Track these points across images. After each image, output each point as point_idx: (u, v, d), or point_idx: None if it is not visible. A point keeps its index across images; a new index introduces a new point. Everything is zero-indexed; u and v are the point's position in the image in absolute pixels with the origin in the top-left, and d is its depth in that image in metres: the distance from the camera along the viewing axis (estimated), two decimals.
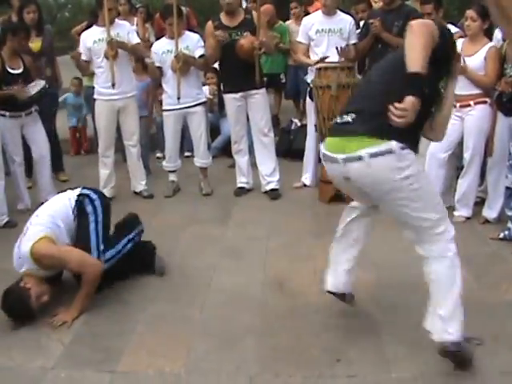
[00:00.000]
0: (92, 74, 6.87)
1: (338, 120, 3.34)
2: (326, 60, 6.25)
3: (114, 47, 6.24)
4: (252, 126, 6.60)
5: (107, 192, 6.44)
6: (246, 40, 6.12)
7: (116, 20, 6.46)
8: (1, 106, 6.08)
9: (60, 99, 8.29)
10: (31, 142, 6.39)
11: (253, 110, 6.50)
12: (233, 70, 6.40)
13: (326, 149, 3.35)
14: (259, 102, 6.47)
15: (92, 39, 6.36)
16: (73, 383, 3.39)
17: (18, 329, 3.96)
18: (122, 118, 6.63)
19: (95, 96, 6.65)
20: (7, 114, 6.11)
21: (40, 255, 4.02)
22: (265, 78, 6.80)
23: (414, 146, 3.15)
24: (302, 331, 3.80)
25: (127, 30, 6.48)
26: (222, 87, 7.23)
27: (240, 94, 6.36)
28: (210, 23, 6.44)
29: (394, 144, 3.01)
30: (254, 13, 6.32)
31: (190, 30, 7.01)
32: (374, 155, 3.04)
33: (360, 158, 3.07)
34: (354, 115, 3.20)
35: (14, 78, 6.05)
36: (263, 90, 6.48)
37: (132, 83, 6.65)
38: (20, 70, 6.14)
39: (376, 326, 3.83)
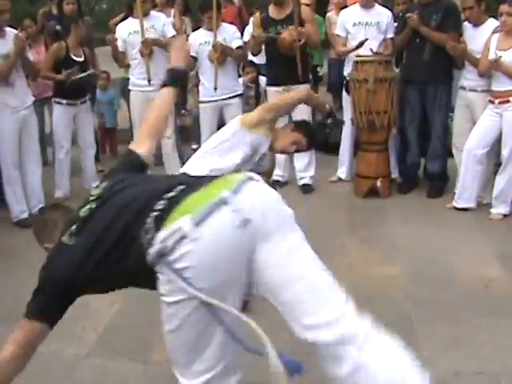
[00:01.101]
0: (128, 66, 6.91)
1: None
2: (364, 53, 6.19)
3: (149, 46, 6.28)
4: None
5: None
6: (287, 33, 6.07)
7: (151, 12, 6.49)
8: (58, 94, 6.38)
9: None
10: (80, 131, 6.54)
11: None
12: (276, 63, 6.36)
13: None
14: None
15: (127, 31, 6.42)
16: (106, 372, 3.43)
17: None
18: None
19: (130, 87, 6.72)
20: (64, 101, 6.33)
21: None
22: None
23: None
24: None
25: (162, 22, 6.53)
26: (259, 80, 7.23)
27: (282, 87, 6.30)
28: (257, 15, 6.44)
29: None
30: (303, 5, 6.26)
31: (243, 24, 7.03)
32: None
33: None
34: None
35: (76, 65, 6.33)
36: (306, 86, 6.39)
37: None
38: (81, 59, 6.42)
39: (409, 322, 3.80)
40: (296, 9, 6.10)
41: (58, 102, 6.39)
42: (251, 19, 6.96)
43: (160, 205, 2.11)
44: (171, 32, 6.59)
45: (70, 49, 6.33)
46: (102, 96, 8.35)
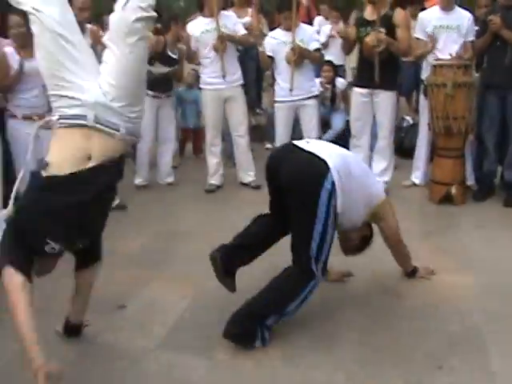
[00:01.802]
0: (198, 64, 6.96)
1: None
2: (443, 57, 6.07)
3: (224, 40, 6.32)
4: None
5: (216, 180, 6.64)
6: (369, 37, 5.99)
7: (222, 11, 6.54)
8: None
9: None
10: (161, 124, 6.70)
11: (376, 110, 6.39)
12: (363, 65, 6.32)
13: None
14: (383, 102, 6.33)
15: (199, 30, 6.47)
16: (172, 366, 3.45)
17: (123, 308, 4.08)
18: (229, 108, 6.72)
19: (202, 86, 6.78)
20: (150, 93, 6.43)
21: None
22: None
23: None
24: (404, 333, 3.72)
25: (233, 21, 6.58)
26: (335, 81, 7.19)
27: (366, 90, 6.25)
28: (353, 14, 6.42)
29: None
30: (399, 11, 6.17)
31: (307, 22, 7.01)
32: None
33: None
34: None
35: (170, 61, 6.60)
36: (390, 93, 6.32)
37: (238, 73, 6.72)
38: (176, 56, 6.68)
39: (480, 335, 3.69)
40: (390, 12, 6.04)
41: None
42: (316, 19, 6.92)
43: None
44: (242, 30, 6.65)
45: (167, 45, 6.58)
46: (186, 94, 8.24)
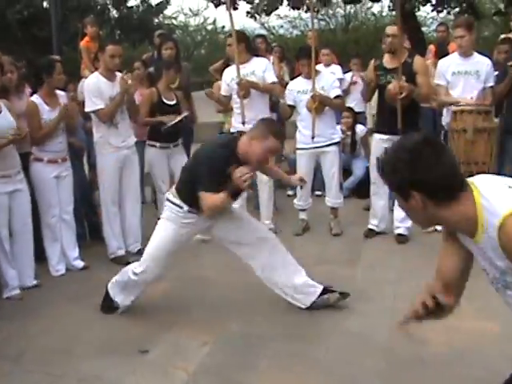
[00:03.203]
0: (231, 109, 6.99)
1: None
2: (463, 102, 6.10)
3: (244, 88, 6.36)
4: None
5: None
6: (392, 84, 6.01)
7: (253, 58, 6.59)
8: (152, 137, 6.60)
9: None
10: (175, 172, 6.68)
11: None
12: (384, 112, 6.33)
13: None
14: None
15: (230, 76, 6.53)
16: None
17: (146, 353, 4.07)
18: None
19: (232, 130, 6.79)
20: (157, 144, 6.53)
21: None
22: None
23: None
24: (428, 380, 3.67)
25: (264, 68, 6.57)
26: (355, 127, 7.20)
27: (387, 136, 6.24)
28: (372, 61, 6.46)
29: None
30: (418, 58, 6.24)
31: None
32: None
33: None
34: None
35: (169, 108, 6.54)
36: None
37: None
38: (173, 102, 6.63)
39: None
40: (409, 60, 6.09)
41: (152, 145, 6.59)
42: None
43: None
44: (272, 78, 6.57)
45: (161, 93, 6.54)
46: None
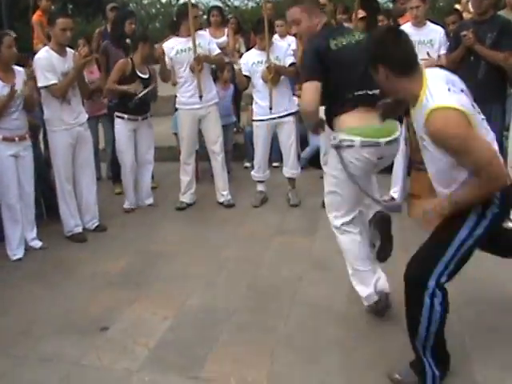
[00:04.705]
0: (174, 84, 6.96)
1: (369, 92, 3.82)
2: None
3: (201, 61, 6.35)
4: None
5: (187, 198, 6.70)
6: None
7: (198, 31, 6.55)
8: (120, 109, 6.57)
9: None
10: (140, 146, 6.68)
11: None
12: None
13: (374, 136, 3.77)
14: None
15: (175, 50, 6.47)
16: None
17: (106, 330, 4.06)
18: (205, 126, 6.72)
19: (177, 105, 6.77)
20: (125, 116, 6.51)
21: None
22: None
23: None
24: (387, 346, 3.72)
25: (208, 40, 6.58)
26: None
27: None
28: None
29: None
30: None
31: None
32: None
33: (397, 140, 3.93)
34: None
35: (141, 81, 6.54)
36: None
37: (213, 92, 6.72)
38: (146, 76, 6.63)
39: (463, 346, 3.69)
40: None
41: (120, 117, 6.53)
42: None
43: None
44: (216, 50, 6.65)
45: (135, 65, 6.52)
46: None
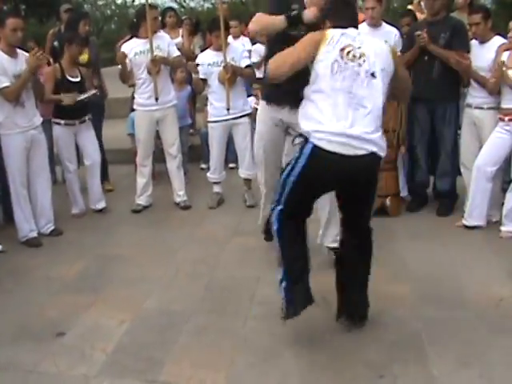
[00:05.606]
0: (133, 86, 6.92)
1: None
2: None
3: (158, 64, 6.33)
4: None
5: (143, 200, 6.68)
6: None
7: (156, 32, 6.52)
8: (56, 115, 6.41)
9: None
10: (84, 150, 6.57)
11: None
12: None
13: None
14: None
15: (133, 51, 6.43)
16: None
17: (62, 335, 4.01)
18: (162, 128, 6.70)
19: (135, 106, 6.73)
20: (62, 122, 6.38)
21: None
22: None
23: None
24: (344, 346, 3.76)
25: (167, 42, 6.56)
26: None
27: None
28: None
29: None
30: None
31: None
32: None
33: None
34: None
35: (73, 85, 6.37)
36: None
37: (171, 94, 6.70)
38: (77, 79, 6.46)
39: (419, 342, 3.76)
40: None
41: (57, 123, 6.41)
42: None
43: None
44: (176, 52, 6.63)
45: (64, 70, 6.36)
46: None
